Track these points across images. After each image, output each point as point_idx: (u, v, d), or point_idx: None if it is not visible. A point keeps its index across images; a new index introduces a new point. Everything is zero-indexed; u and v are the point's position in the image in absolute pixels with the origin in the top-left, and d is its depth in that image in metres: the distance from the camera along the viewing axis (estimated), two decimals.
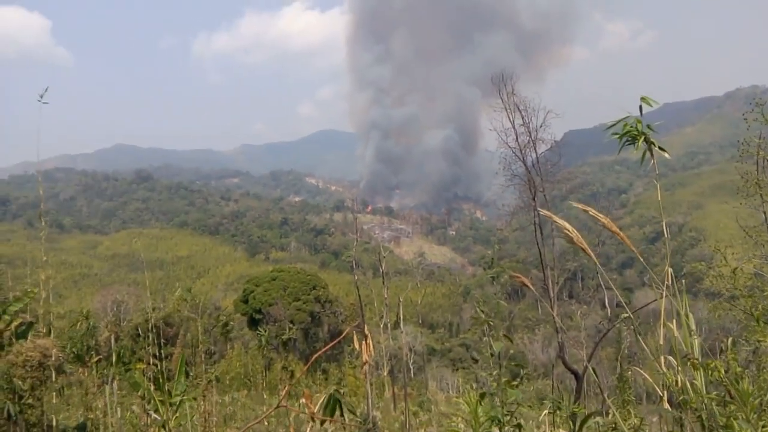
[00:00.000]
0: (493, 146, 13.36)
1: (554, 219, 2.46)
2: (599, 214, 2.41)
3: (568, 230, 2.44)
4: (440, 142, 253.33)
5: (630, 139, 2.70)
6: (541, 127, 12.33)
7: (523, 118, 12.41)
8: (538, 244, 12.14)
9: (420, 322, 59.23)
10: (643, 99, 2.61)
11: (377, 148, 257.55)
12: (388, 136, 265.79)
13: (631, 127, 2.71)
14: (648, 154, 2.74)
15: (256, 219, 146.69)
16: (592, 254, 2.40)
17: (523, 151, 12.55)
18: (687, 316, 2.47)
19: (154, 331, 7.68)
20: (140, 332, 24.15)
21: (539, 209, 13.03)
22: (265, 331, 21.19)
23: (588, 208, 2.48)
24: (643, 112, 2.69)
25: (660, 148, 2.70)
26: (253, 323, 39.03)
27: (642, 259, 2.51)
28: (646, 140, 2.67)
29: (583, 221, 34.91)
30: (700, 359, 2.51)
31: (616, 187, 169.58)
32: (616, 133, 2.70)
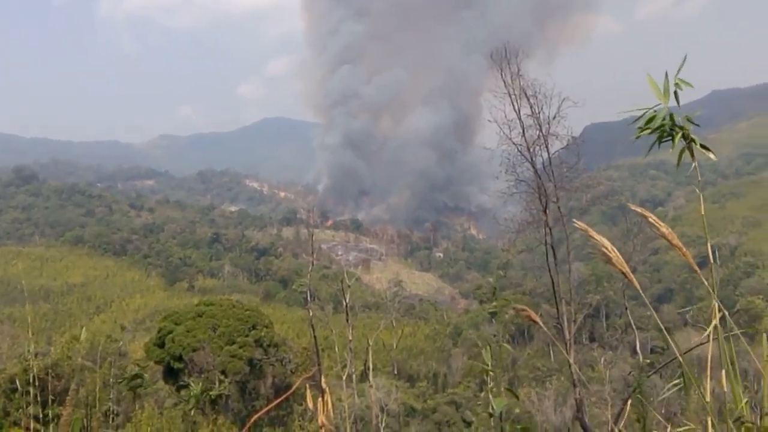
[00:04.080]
0: (492, 142, 13.52)
1: (588, 231, 2.50)
2: (659, 222, 2.46)
3: (606, 248, 2.48)
4: (427, 130, 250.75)
5: (666, 135, 2.69)
6: (554, 118, 12.52)
7: (531, 107, 12.59)
8: (550, 270, 12.28)
9: (395, 372, 59.08)
10: (678, 83, 2.62)
11: (342, 136, 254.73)
12: (357, 120, 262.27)
13: (664, 119, 2.68)
14: (688, 155, 2.74)
15: (178, 235, 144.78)
16: (635, 282, 2.44)
17: (531, 150, 12.72)
18: (733, 365, 2.52)
19: (35, 385, 7.51)
20: (17, 386, 23.53)
21: (565, 222, 13.22)
22: (189, 386, 20.90)
23: (646, 212, 2.53)
24: (686, 100, 2.73)
25: (703, 147, 2.71)
26: (171, 374, 38.42)
27: (708, 287, 2.54)
28: (685, 137, 2.67)
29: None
30: (757, 422, 2.56)
31: (651, 198, 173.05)
32: (644, 127, 2.70)
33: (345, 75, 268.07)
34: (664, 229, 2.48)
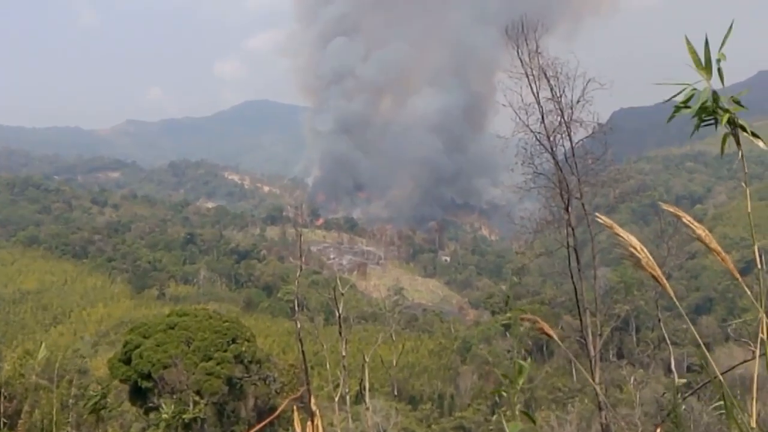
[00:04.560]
0: (507, 129, 13.52)
1: (613, 228, 2.48)
2: (694, 223, 2.45)
3: (636, 249, 2.47)
4: (432, 113, 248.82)
5: (708, 120, 2.64)
6: (578, 103, 12.54)
7: (552, 90, 12.59)
8: (572, 276, 12.30)
9: (395, 393, 59.14)
10: (720, 57, 2.56)
11: (336, 121, 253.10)
12: (353, 102, 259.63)
13: (706, 101, 2.62)
14: (733, 143, 2.69)
15: (147, 234, 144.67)
16: (669, 289, 2.43)
17: (551, 138, 12.72)
18: None
19: None
20: None
21: (590, 222, 13.19)
22: (159, 408, 20.94)
23: (679, 211, 2.52)
24: (729, 81, 2.69)
25: (753, 134, 2.67)
26: (139, 394, 38.42)
27: (753, 297, 2.52)
28: (731, 122, 2.63)
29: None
30: None
31: (688, 194, 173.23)
32: (681, 106, 2.64)
33: (339, 49, 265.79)
34: (701, 230, 2.46)
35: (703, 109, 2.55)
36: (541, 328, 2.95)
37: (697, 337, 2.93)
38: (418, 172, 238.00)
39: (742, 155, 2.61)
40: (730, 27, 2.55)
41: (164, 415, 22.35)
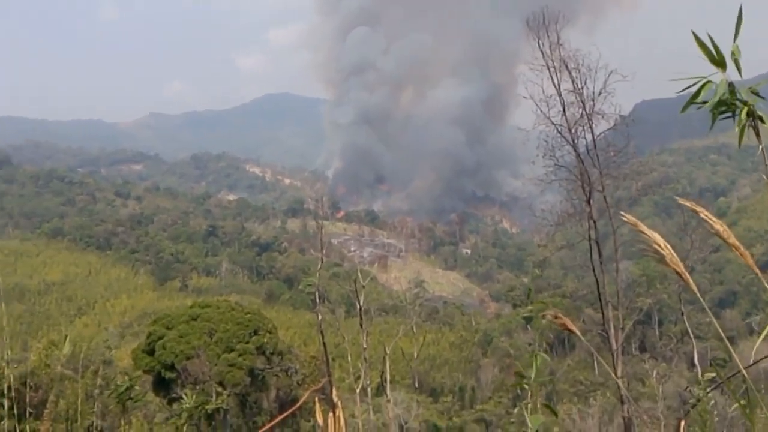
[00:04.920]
0: (528, 121, 13.47)
1: (638, 226, 2.48)
2: (713, 218, 2.44)
3: (659, 245, 2.47)
4: (454, 105, 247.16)
5: (725, 111, 2.61)
6: (600, 94, 12.46)
7: (573, 82, 12.52)
8: (594, 270, 12.25)
9: (416, 385, 59.23)
10: (734, 51, 2.52)
11: (357, 113, 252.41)
12: (373, 94, 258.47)
13: (724, 93, 2.58)
14: (753, 135, 2.66)
15: (169, 227, 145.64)
16: (692, 284, 2.42)
17: (573, 131, 12.66)
18: None
19: (10, 396, 7.62)
20: None
21: (611, 215, 13.13)
22: (182, 399, 21.11)
23: (696, 205, 2.51)
24: (749, 74, 2.66)
25: None
26: (162, 385, 38.72)
27: None
28: (751, 114, 2.61)
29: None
30: None
31: (712, 186, 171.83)
32: (694, 100, 2.61)
33: (360, 40, 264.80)
34: (718, 225, 2.45)
35: (720, 102, 2.54)
36: (563, 324, 2.95)
37: (721, 331, 2.91)
38: (438, 164, 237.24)
39: (762, 148, 2.59)
40: (740, 16, 2.51)
41: (185, 406, 22.51)
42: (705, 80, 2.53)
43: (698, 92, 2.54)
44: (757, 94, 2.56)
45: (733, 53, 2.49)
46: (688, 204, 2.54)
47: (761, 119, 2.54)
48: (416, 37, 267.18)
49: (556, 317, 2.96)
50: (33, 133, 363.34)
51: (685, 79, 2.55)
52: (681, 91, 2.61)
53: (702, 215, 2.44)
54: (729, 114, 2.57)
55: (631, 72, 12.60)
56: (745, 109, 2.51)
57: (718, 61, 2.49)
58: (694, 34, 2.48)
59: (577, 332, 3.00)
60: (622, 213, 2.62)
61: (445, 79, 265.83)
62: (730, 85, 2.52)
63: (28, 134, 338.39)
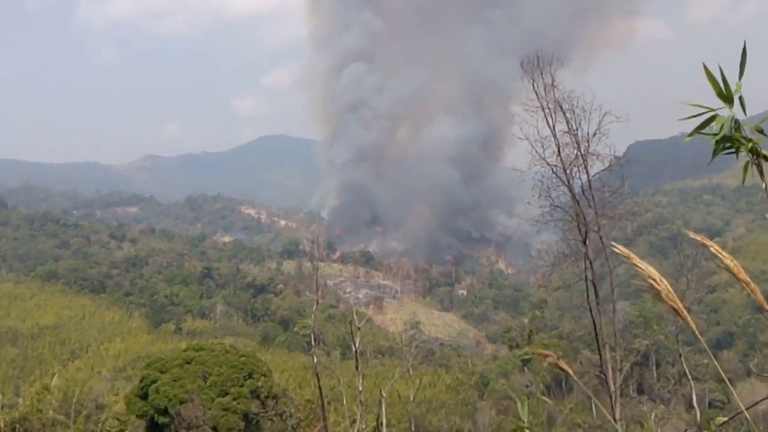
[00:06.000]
0: (523, 162, 13.53)
1: (631, 258, 2.47)
2: (723, 252, 2.43)
3: (655, 280, 2.45)
4: (449, 143, 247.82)
5: (729, 148, 2.60)
6: (594, 135, 12.55)
7: (568, 123, 12.62)
8: (591, 310, 12.20)
9: (413, 429, 58.52)
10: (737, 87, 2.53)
11: (351, 150, 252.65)
12: (369, 131, 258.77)
13: (724, 127, 2.58)
14: (749, 173, 2.61)
15: (164, 269, 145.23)
16: (690, 321, 2.40)
17: (568, 171, 12.72)
18: None
19: None
20: None
21: (608, 255, 13.13)
22: None
23: (706, 240, 2.50)
24: (750, 112, 2.66)
25: None
26: (156, 430, 38.28)
27: None
28: (753, 151, 2.61)
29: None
30: None
31: (706, 226, 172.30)
32: (701, 130, 2.60)
33: (354, 79, 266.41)
34: (728, 260, 2.44)
35: (725, 138, 2.54)
36: (556, 364, 2.91)
37: (721, 372, 2.88)
38: (434, 203, 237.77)
39: (766, 186, 2.58)
40: (744, 53, 2.52)
41: None
42: (713, 113, 2.53)
43: (708, 121, 2.54)
44: (761, 132, 2.56)
45: (735, 90, 2.49)
46: (698, 238, 2.54)
47: (765, 158, 2.53)
48: (411, 74, 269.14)
49: (546, 356, 2.93)
50: (28, 175, 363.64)
51: (693, 106, 2.55)
52: (687, 118, 2.60)
53: (712, 249, 2.44)
54: (732, 150, 2.57)
55: (624, 113, 12.73)
56: (749, 146, 2.51)
57: (726, 97, 2.50)
58: (705, 68, 2.49)
59: (572, 373, 2.97)
60: (614, 244, 2.61)
61: (441, 117, 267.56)
62: (736, 121, 2.53)
63: (22, 177, 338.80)
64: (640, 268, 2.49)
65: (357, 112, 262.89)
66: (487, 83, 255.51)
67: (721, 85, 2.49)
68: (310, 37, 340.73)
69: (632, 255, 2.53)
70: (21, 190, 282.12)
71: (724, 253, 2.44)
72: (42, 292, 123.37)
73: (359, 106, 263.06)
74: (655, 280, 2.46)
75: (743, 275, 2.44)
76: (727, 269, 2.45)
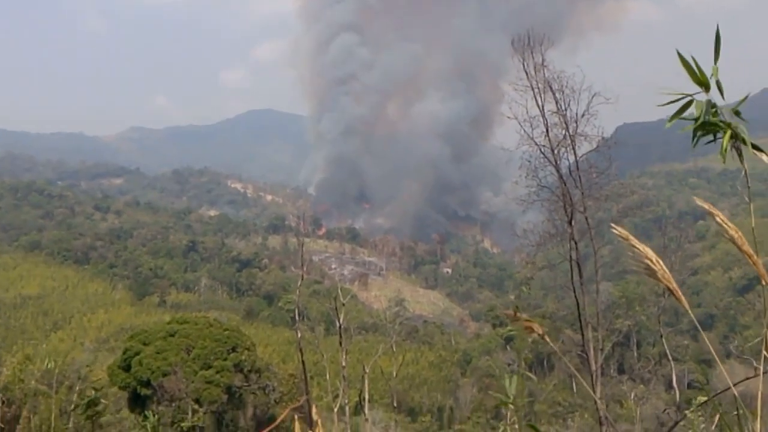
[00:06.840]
0: (511, 141, 13.53)
1: (629, 239, 2.49)
2: (728, 223, 2.45)
3: (650, 260, 2.47)
4: (438, 119, 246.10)
5: (708, 131, 2.62)
6: (583, 116, 12.55)
7: (557, 103, 12.61)
8: (575, 291, 12.27)
9: (395, 404, 58.88)
10: (714, 72, 2.53)
11: (339, 124, 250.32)
12: (358, 105, 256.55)
13: (706, 115, 2.59)
14: (733, 157, 2.65)
15: (149, 242, 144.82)
16: (684, 301, 2.42)
17: (555, 152, 12.73)
18: None
19: None
20: None
21: (592, 236, 13.18)
22: (156, 415, 20.88)
23: (713, 209, 2.51)
24: (733, 98, 2.68)
25: (755, 147, 2.67)
26: (138, 402, 38.33)
27: (758, 313, 2.52)
28: (735, 136, 2.62)
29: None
30: None
31: (691, 210, 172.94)
32: (679, 115, 2.61)
33: (345, 48, 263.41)
34: (733, 231, 2.46)
35: (703, 124, 2.56)
36: (532, 330, 2.95)
37: (713, 351, 2.91)
38: (422, 179, 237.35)
39: (745, 171, 2.61)
40: (717, 37, 2.52)
41: (151, 423, 22.02)
42: (689, 98, 2.54)
43: (685, 107, 2.55)
44: (738, 114, 2.57)
45: (712, 74, 2.51)
46: (705, 205, 2.54)
47: (744, 141, 2.55)
48: (401, 49, 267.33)
49: (530, 326, 2.95)
50: (13, 145, 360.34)
51: (670, 94, 2.56)
52: (664, 104, 2.61)
53: (718, 220, 2.46)
54: (711, 136, 2.59)
55: (613, 95, 12.71)
56: (729, 132, 2.53)
57: (702, 82, 2.51)
58: (679, 54, 2.50)
59: (549, 341, 2.99)
60: (613, 226, 2.63)
61: (431, 93, 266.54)
62: (713, 105, 2.54)
63: (7, 146, 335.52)
64: (638, 249, 2.52)
65: (346, 85, 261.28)
66: (477, 59, 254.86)
67: (695, 70, 2.50)
68: (300, 9, 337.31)
69: (630, 236, 2.55)
70: (5, 160, 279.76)
71: (729, 224, 2.46)
72: (25, 262, 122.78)
73: (349, 80, 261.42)
74: (651, 260, 2.49)
75: (746, 247, 2.46)
76: (732, 240, 2.48)
